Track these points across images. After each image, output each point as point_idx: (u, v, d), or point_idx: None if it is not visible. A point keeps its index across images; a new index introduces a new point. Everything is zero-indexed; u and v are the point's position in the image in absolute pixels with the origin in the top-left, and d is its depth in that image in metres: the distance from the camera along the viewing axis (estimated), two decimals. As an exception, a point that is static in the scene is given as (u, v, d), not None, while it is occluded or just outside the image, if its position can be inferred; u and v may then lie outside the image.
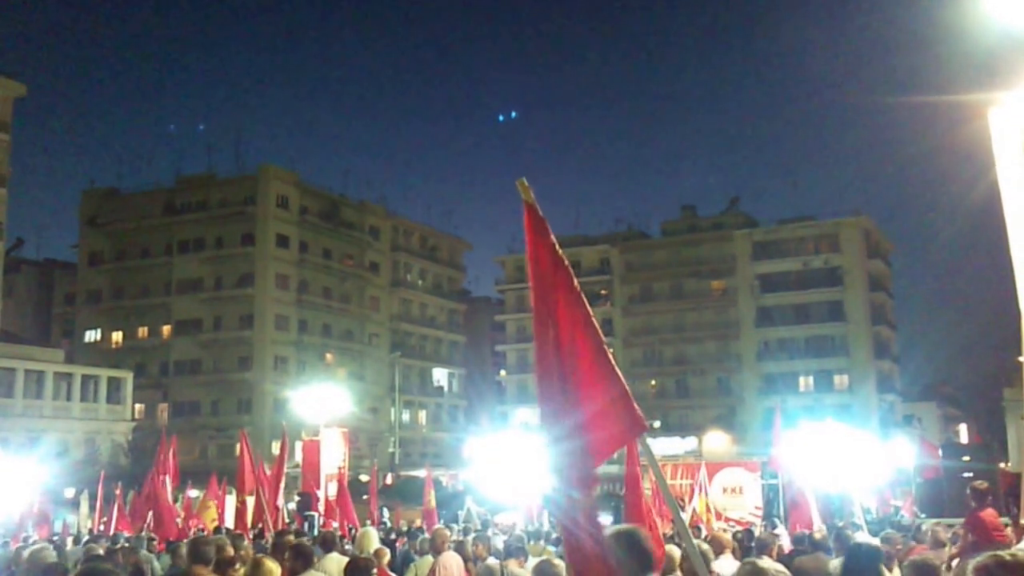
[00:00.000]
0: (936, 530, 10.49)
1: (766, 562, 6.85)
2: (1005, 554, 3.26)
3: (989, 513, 10.43)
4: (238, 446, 23.31)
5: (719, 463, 27.76)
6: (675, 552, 8.28)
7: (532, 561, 9.74)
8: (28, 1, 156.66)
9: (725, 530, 16.48)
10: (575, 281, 4.49)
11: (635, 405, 4.32)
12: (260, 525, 18.56)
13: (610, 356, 4.42)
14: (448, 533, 12.31)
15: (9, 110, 56.75)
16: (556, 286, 4.47)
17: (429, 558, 11.83)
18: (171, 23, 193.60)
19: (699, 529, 17.72)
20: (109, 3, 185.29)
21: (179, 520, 23.00)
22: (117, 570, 6.61)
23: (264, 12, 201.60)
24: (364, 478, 45.90)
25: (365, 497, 30.52)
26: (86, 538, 20.30)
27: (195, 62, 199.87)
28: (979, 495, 10.57)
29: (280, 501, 20.35)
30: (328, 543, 11.61)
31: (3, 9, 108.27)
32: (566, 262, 4.48)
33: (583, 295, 4.48)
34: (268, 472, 21.37)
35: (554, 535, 18.71)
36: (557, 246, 4.50)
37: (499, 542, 15.00)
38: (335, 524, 19.67)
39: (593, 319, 4.43)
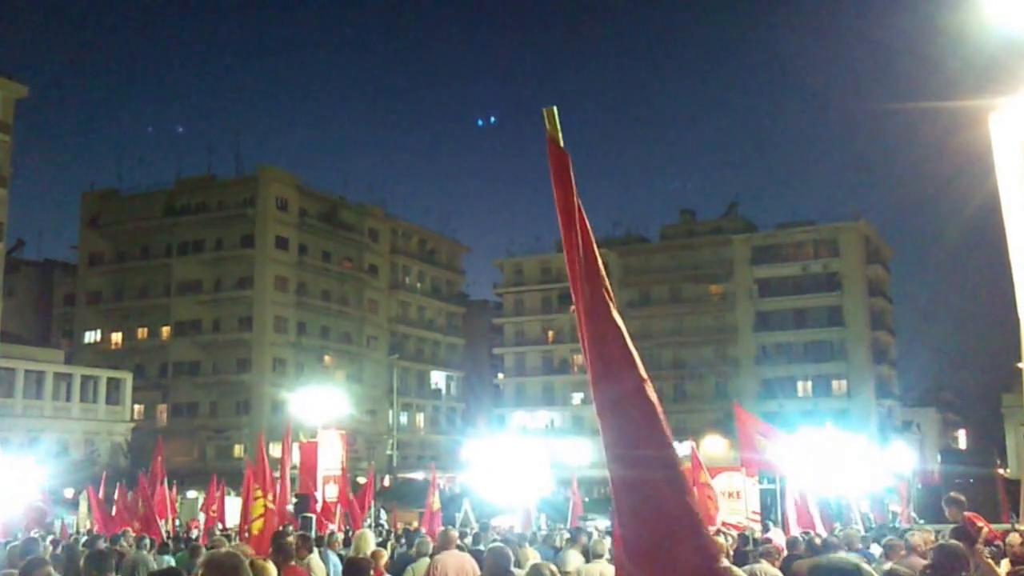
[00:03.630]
0: (915, 537, 10.42)
1: (765, 566, 6.89)
2: None
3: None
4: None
5: (717, 467, 27.65)
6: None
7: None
8: (28, 1, 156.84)
9: (720, 532, 16.50)
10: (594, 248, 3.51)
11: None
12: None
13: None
14: (455, 533, 12.08)
15: (10, 111, 56.77)
16: (588, 249, 3.46)
17: (427, 560, 11.72)
18: (171, 24, 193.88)
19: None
20: (109, 4, 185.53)
21: (167, 519, 23.12)
22: (51, 566, 6.71)
23: (264, 15, 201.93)
24: (362, 480, 45.88)
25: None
26: (85, 537, 20.29)
27: (195, 64, 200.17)
28: (956, 504, 10.48)
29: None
30: (323, 543, 11.62)
31: (3, 9, 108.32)
32: (590, 232, 3.48)
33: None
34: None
35: (541, 536, 18.70)
36: (580, 203, 3.45)
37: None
38: (332, 526, 19.66)
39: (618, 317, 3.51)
